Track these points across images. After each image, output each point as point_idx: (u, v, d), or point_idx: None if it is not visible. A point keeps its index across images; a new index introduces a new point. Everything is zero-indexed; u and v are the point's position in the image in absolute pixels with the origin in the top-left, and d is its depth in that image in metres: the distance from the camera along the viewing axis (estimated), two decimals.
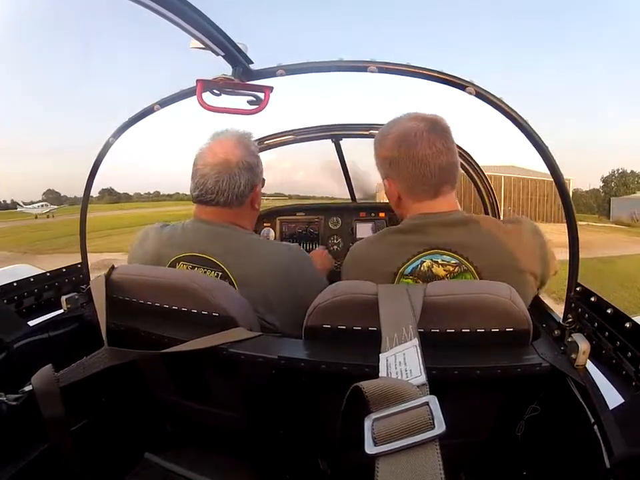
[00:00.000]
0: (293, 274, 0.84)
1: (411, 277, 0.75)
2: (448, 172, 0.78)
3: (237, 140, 0.88)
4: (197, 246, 0.82)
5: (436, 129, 0.78)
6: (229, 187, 0.82)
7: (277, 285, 0.81)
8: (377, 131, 0.90)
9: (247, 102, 0.89)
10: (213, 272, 0.80)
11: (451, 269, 0.74)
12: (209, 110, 0.84)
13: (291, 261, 0.86)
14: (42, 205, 26.52)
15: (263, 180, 0.95)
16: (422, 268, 0.75)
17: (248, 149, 0.87)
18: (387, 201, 0.91)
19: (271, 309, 0.80)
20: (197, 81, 0.83)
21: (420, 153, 0.76)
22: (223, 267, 0.80)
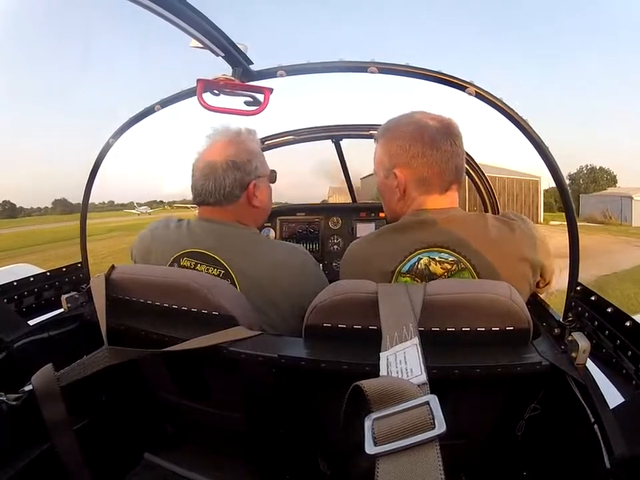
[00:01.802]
0: (298, 274, 0.84)
1: (408, 275, 0.75)
2: (460, 172, 0.82)
3: (229, 140, 0.89)
4: (200, 243, 0.83)
5: (455, 129, 0.81)
6: (215, 188, 0.85)
7: (282, 285, 0.81)
8: (376, 132, 0.90)
9: (244, 102, 0.89)
10: (216, 269, 0.80)
11: (449, 266, 0.74)
12: (209, 110, 0.84)
13: (296, 261, 0.86)
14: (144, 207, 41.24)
15: (273, 174, 0.96)
16: (419, 265, 0.75)
17: (238, 148, 0.88)
18: (382, 203, 0.91)
19: (275, 308, 0.80)
20: (198, 80, 0.84)
21: (443, 149, 0.78)
22: (225, 264, 0.80)
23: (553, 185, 0.80)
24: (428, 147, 0.78)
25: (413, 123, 0.81)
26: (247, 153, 0.88)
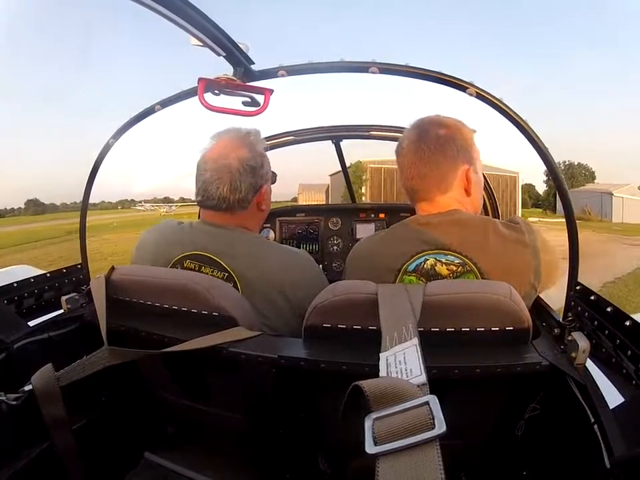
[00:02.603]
0: (301, 277, 0.84)
1: (414, 274, 0.75)
2: (431, 178, 0.82)
3: (241, 140, 0.86)
4: (204, 246, 0.82)
5: (450, 131, 0.82)
6: (230, 193, 0.82)
7: (284, 288, 0.80)
8: (377, 132, 0.91)
9: (242, 103, 0.88)
10: (220, 273, 0.80)
11: (454, 268, 0.74)
12: (210, 109, 0.84)
13: (299, 264, 0.86)
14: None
15: (275, 175, 0.95)
16: (425, 265, 0.75)
17: (252, 150, 0.85)
18: (388, 202, 0.91)
19: (276, 311, 0.80)
20: (199, 79, 0.83)
21: (433, 159, 0.80)
22: (228, 269, 0.79)
23: (525, 182, 0.80)
24: (407, 161, 0.82)
25: (405, 133, 0.86)
26: (260, 156, 0.86)
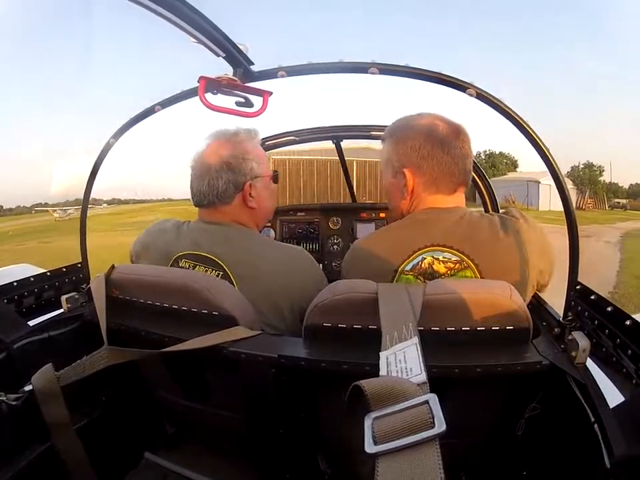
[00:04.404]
0: (298, 275, 0.84)
1: (411, 273, 0.75)
2: (468, 175, 0.83)
3: (226, 140, 0.89)
4: (198, 245, 0.83)
5: (465, 132, 0.82)
6: (209, 189, 0.85)
7: (281, 285, 0.80)
8: (377, 132, 0.90)
9: (235, 103, 0.88)
10: (214, 271, 0.80)
11: (452, 265, 0.74)
12: (210, 109, 0.84)
13: (296, 261, 0.86)
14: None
15: (274, 174, 0.95)
16: (423, 264, 0.75)
17: (235, 148, 0.87)
18: (388, 202, 0.91)
19: (273, 308, 0.80)
20: (200, 78, 0.83)
21: (452, 151, 0.79)
22: (223, 265, 0.80)
23: None
24: (438, 148, 0.79)
25: (424, 124, 0.82)
26: (242, 153, 0.87)
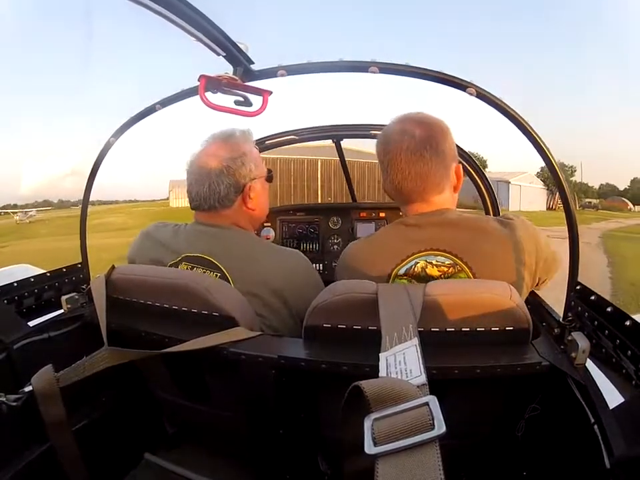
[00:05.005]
0: (294, 277, 0.84)
1: (405, 278, 0.75)
2: (443, 179, 0.79)
3: (224, 142, 0.88)
4: (196, 247, 0.83)
5: (437, 139, 0.77)
6: (210, 193, 0.84)
7: (278, 288, 0.80)
8: (377, 132, 0.90)
9: (234, 102, 0.88)
10: (212, 273, 0.80)
11: (445, 269, 0.74)
12: (210, 107, 0.84)
13: (293, 264, 0.86)
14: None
15: (269, 174, 0.95)
16: (416, 269, 0.75)
17: (233, 151, 0.86)
18: (388, 201, 0.91)
19: (271, 311, 0.80)
20: (201, 76, 0.83)
21: (418, 162, 0.76)
22: (221, 267, 0.80)
23: None
24: (403, 159, 0.77)
25: (396, 131, 0.80)
26: (240, 155, 0.86)
